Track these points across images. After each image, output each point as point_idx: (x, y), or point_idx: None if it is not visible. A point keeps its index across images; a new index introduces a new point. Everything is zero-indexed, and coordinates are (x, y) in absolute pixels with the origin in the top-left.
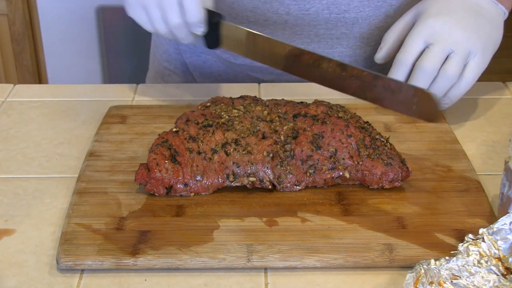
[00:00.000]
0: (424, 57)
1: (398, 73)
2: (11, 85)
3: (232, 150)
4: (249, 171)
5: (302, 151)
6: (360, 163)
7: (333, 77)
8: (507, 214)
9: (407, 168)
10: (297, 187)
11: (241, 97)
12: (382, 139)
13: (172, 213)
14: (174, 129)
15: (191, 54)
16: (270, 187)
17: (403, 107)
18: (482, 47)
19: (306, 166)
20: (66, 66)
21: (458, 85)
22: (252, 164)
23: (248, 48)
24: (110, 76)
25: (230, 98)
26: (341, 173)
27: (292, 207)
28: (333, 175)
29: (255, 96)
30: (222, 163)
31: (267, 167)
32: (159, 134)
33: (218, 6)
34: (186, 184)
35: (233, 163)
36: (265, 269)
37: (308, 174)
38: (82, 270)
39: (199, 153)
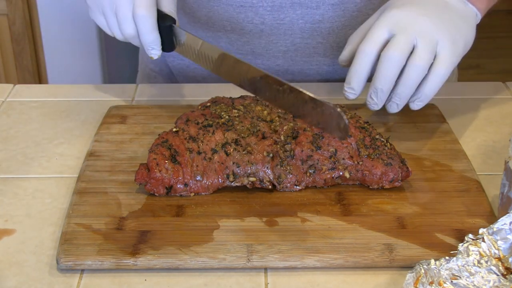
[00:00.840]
0: (389, 46)
1: (361, 63)
2: (11, 85)
3: (232, 150)
4: (249, 171)
5: (302, 151)
6: (360, 163)
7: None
8: (507, 214)
9: (407, 168)
10: (297, 187)
11: (241, 97)
12: (382, 139)
13: (172, 213)
14: (174, 129)
15: (174, 58)
16: (270, 187)
17: (322, 123)
18: (451, 38)
19: (306, 166)
20: (66, 66)
21: (430, 79)
22: (252, 164)
23: (198, 55)
24: (110, 76)
25: (230, 98)
26: (341, 173)
27: (292, 207)
28: (333, 175)
29: (255, 96)
30: (222, 163)
31: (267, 167)
32: (159, 134)
33: (196, 14)
34: (186, 184)
35: (233, 163)
36: (265, 269)
37: (308, 174)
38: (82, 270)
39: (199, 153)
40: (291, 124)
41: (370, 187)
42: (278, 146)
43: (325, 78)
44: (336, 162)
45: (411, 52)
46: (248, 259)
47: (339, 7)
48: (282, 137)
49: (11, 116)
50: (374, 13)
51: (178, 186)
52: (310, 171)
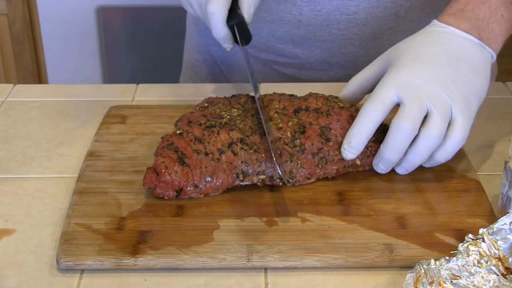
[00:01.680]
0: (400, 116)
1: (365, 124)
2: (11, 85)
3: (239, 149)
4: (258, 170)
5: (312, 144)
6: (369, 148)
7: None
8: (507, 214)
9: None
10: (309, 180)
11: (234, 96)
12: (384, 124)
13: (172, 213)
14: (178, 131)
15: (219, 47)
16: (280, 184)
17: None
18: (465, 100)
19: (317, 158)
20: (66, 66)
21: (445, 147)
22: (260, 162)
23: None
24: (110, 76)
25: (225, 97)
26: (352, 161)
27: (292, 207)
28: (344, 164)
29: (248, 94)
30: (231, 163)
31: (276, 163)
32: (162, 137)
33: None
34: (196, 186)
35: (242, 162)
36: (265, 269)
37: (320, 166)
38: (82, 270)
39: (206, 154)
40: (295, 120)
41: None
42: (283, 142)
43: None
44: None
45: (424, 119)
46: (248, 259)
47: None
48: (288, 133)
49: (11, 116)
50: (406, 2)
51: (188, 188)
52: (321, 163)
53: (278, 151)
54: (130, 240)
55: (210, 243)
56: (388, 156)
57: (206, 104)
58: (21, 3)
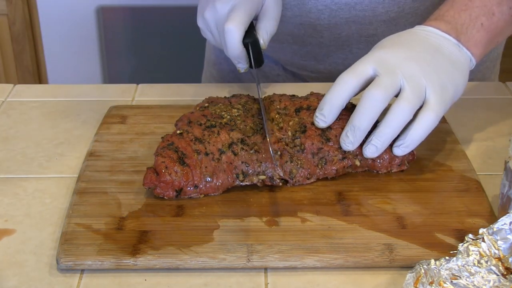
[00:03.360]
0: (372, 85)
1: (337, 91)
2: (11, 85)
3: (239, 149)
4: (258, 170)
5: (312, 144)
6: None
7: None
8: (507, 214)
9: (413, 151)
10: (309, 180)
11: (234, 96)
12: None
13: (172, 213)
14: (178, 131)
15: None
16: (280, 184)
17: None
18: (440, 84)
19: (317, 158)
20: (66, 66)
21: (417, 124)
22: (261, 162)
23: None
24: (110, 76)
25: (225, 97)
26: (351, 162)
27: (292, 207)
28: (344, 165)
29: (248, 94)
30: (231, 163)
31: (276, 164)
32: (161, 137)
33: None
34: (196, 186)
35: (242, 162)
36: (265, 269)
37: (319, 166)
38: (82, 270)
39: (206, 154)
40: (296, 119)
41: (380, 172)
42: (284, 142)
43: None
44: (346, 152)
45: (397, 96)
46: (248, 259)
47: (391, 23)
48: (289, 133)
49: (11, 116)
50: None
51: (188, 188)
52: (321, 163)
53: (279, 152)
54: (130, 240)
55: (210, 243)
56: (357, 122)
57: (206, 104)
58: (21, 3)
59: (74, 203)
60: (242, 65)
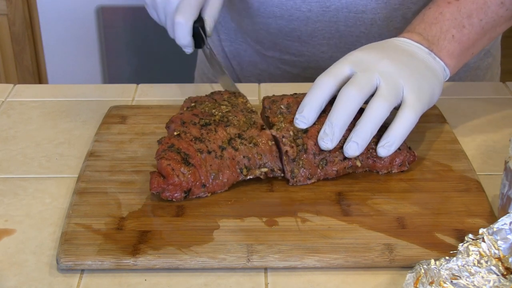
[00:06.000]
0: (348, 83)
1: (316, 93)
2: (11, 85)
3: (239, 144)
4: (260, 163)
5: (314, 144)
6: (370, 150)
7: None
8: (507, 214)
9: (414, 152)
10: (310, 180)
11: (214, 93)
12: (386, 125)
13: (172, 213)
14: (175, 133)
15: (230, 43)
16: (282, 175)
17: None
18: (417, 84)
19: (318, 159)
20: (66, 66)
21: (398, 122)
22: (261, 155)
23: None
24: (110, 76)
25: (206, 95)
26: (352, 163)
27: (292, 207)
28: (345, 166)
29: (226, 90)
30: (233, 159)
31: (276, 156)
32: (158, 141)
33: (248, 1)
34: (204, 185)
35: (244, 157)
36: (265, 269)
37: (320, 167)
38: (82, 270)
39: (209, 152)
40: None
41: (380, 172)
42: (288, 142)
43: None
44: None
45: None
46: (248, 259)
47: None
48: (291, 132)
49: (11, 116)
50: (414, 5)
51: (197, 188)
52: (322, 164)
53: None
54: (130, 240)
55: (210, 243)
56: (334, 119)
57: (192, 104)
58: (21, 3)
59: (74, 203)
60: (188, 50)
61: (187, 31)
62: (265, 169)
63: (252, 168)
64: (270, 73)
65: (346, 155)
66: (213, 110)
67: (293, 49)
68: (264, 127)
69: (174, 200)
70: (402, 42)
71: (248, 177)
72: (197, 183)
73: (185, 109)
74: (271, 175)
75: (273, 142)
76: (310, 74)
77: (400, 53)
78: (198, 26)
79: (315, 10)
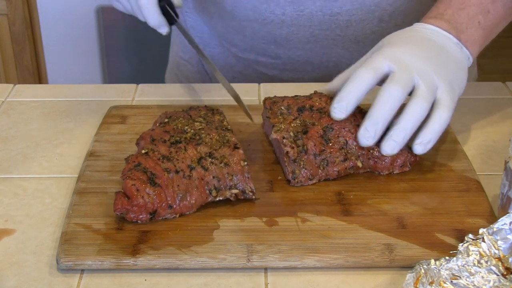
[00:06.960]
0: (390, 81)
1: (356, 84)
2: (11, 85)
3: (209, 164)
4: (230, 184)
5: (314, 145)
6: (371, 151)
7: None
8: (507, 214)
9: (415, 153)
10: (311, 181)
11: (192, 108)
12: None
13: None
14: (143, 151)
15: (204, 46)
16: (253, 197)
17: None
18: (450, 84)
19: (319, 160)
20: (66, 66)
21: (433, 122)
22: (232, 176)
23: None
24: (110, 76)
25: (183, 110)
26: (353, 163)
27: (292, 207)
28: (346, 166)
29: (206, 106)
30: (202, 179)
31: (247, 177)
32: (125, 159)
33: (223, 3)
34: (170, 206)
35: (213, 177)
36: (265, 269)
37: (321, 167)
38: (82, 270)
39: (177, 171)
40: (298, 121)
41: (381, 173)
42: (288, 142)
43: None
44: (348, 153)
45: (411, 93)
46: (248, 259)
47: (357, 1)
48: (291, 133)
49: (11, 116)
50: (390, 7)
51: (163, 209)
52: (323, 164)
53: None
54: (130, 240)
55: (210, 243)
56: (377, 116)
57: (166, 120)
58: (21, 3)
59: (74, 203)
60: (163, 29)
61: (154, 10)
62: (235, 191)
63: (222, 189)
64: (246, 75)
65: (384, 153)
66: (186, 127)
67: (269, 51)
68: (238, 146)
69: (139, 222)
70: (432, 31)
71: (218, 199)
72: (163, 204)
73: (157, 124)
74: (242, 197)
75: (246, 163)
76: (287, 76)
77: (433, 48)
78: (165, 4)
79: (289, 14)
